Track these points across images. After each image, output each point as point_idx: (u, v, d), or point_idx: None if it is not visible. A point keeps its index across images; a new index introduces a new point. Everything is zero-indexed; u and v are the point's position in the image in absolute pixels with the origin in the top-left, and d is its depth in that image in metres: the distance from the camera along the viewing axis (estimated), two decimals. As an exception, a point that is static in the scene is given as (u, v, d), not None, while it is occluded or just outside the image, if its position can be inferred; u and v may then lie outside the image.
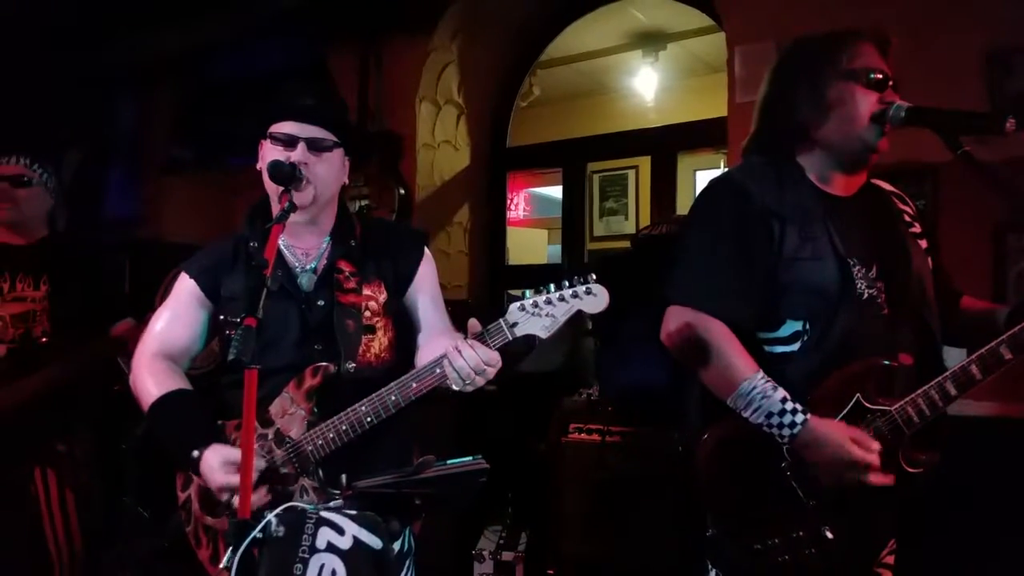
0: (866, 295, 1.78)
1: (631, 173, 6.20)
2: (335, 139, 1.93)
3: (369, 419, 1.79)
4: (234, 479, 1.73)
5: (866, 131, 1.80)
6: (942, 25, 3.04)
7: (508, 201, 5.18)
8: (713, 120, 4.06)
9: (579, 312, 1.67)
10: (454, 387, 1.72)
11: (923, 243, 1.93)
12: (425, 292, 2.05)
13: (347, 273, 1.94)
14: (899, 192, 2.01)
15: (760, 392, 1.69)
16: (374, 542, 1.46)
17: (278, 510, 1.46)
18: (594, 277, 1.66)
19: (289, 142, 1.88)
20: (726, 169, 2.50)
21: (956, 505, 2.59)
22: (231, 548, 1.38)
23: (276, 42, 4.94)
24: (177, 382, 1.94)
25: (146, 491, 3.74)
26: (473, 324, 1.73)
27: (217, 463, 1.77)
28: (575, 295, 1.66)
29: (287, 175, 1.80)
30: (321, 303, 1.92)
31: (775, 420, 1.69)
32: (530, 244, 6.75)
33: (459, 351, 1.67)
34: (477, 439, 3.68)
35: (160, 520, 3.65)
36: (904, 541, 1.95)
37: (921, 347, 1.83)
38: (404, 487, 1.56)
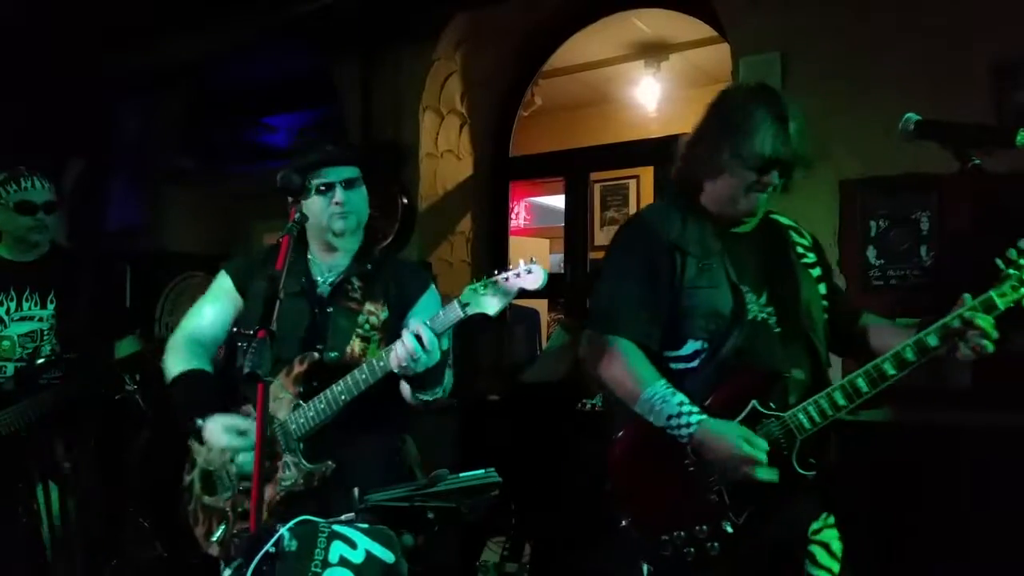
0: (758, 318, 1.97)
1: (632, 183, 6.21)
2: (359, 173, 2.20)
3: (343, 396, 2.00)
4: (236, 441, 1.99)
5: (742, 202, 1.98)
6: (948, 37, 3.05)
7: (510, 210, 5.18)
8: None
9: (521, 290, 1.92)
10: (397, 366, 1.90)
11: (817, 270, 2.11)
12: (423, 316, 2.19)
13: (356, 287, 2.20)
14: (796, 226, 2.17)
15: (660, 397, 1.89)
16: (387, 556, 1.47)
17: (291, 523, 1.48)
18: (533, 259, 1.93)
19: (329, 187, 2.12)
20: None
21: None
22: (244, 557, 1.39)
23: (280, 52, 4.94)
24: (197, 364, 2.18)
25: (146, 501, 3.73)
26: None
27: (220, 428, 2.01)
28: (517, 275, 1.91)
29: (296, 188, 1.95)
30: (329, 309, 2.18)
31: (673, 421, 1.87)
32: (532, 253, 6.74)
33: (412, 333, 1.87)
34: (481, 450, 3.67)
35: (160, 530, 3.64)
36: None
37: (810, 364, 2.00)
38: (417, 501, 1.59)
